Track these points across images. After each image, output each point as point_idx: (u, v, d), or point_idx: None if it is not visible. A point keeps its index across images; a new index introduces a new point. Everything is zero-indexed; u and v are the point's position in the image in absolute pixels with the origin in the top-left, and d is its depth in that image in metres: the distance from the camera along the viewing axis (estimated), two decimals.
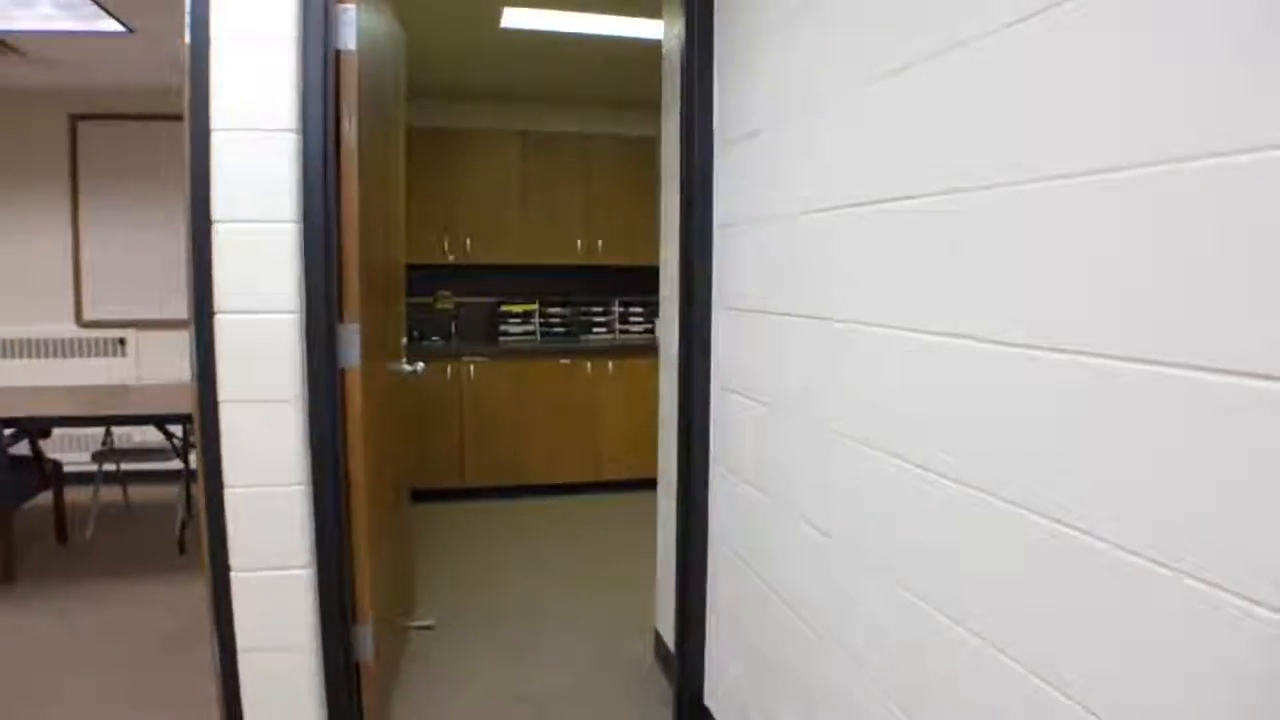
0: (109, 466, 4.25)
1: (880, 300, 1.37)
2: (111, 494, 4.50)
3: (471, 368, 4.65)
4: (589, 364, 4.82)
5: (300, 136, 1.90)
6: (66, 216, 4.89)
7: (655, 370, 5.45)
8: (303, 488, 1.96)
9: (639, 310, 5.38)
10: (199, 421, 1.94)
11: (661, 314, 2.47)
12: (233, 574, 1.98)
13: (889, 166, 1.33)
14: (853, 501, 1.47)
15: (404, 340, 2.78)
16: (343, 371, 2.01)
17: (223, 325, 1.89)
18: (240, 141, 1.86)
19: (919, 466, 1.26)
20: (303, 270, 1.91)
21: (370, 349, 2.12)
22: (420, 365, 2.71)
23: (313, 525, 2.00)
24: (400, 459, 2.74)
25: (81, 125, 4.86)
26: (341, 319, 2.00)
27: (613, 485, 4.90)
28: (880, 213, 1.36)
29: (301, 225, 1.90)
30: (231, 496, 1.95)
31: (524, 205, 4.99)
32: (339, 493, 2.04)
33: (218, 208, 1.86)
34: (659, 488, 2.75)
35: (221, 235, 1.87)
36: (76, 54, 4.05)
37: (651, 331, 5.36)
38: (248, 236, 1.87)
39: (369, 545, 2.16)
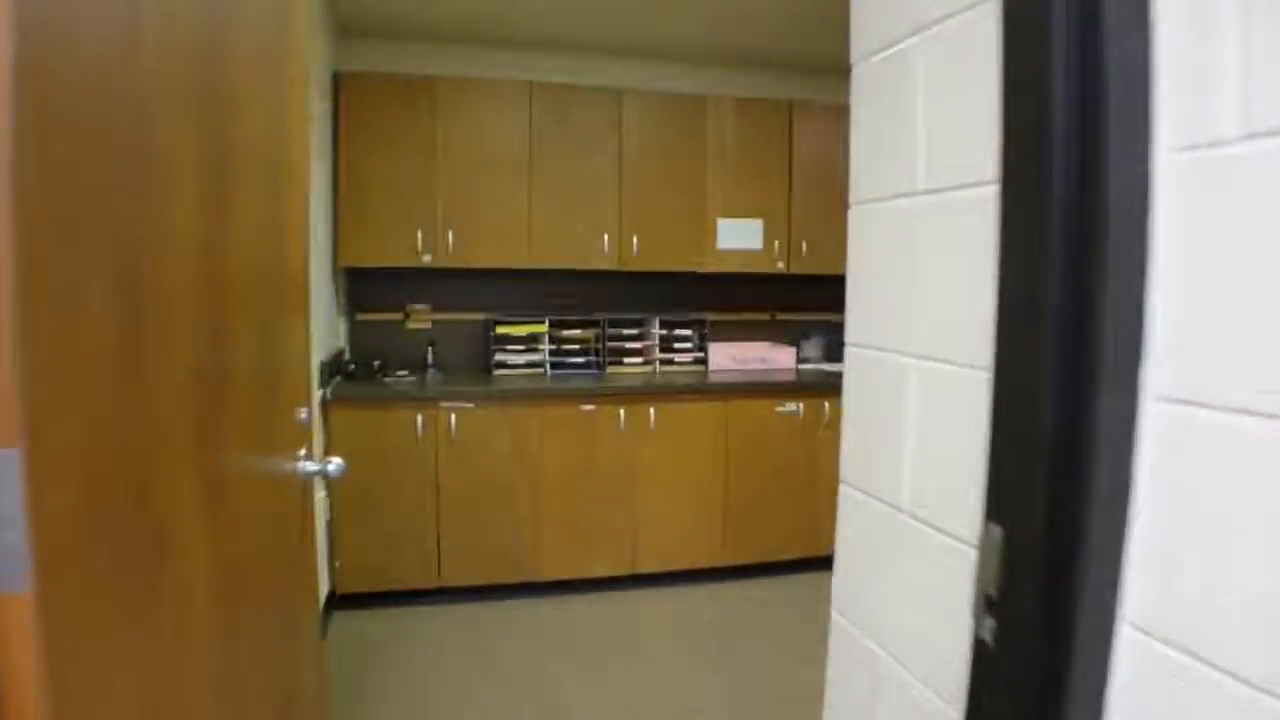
0: None
1: None
2: None
3: (452, 417, 3.25)
4: (621, 411, 3.43)
5: None
6: None
7: (709, 419, 3.66)
8: None
9: (687, 333, 3.99)
10: None
11: (848, 375, 1.05)
12: None
13: None
14: None
15: (304, 413, 1.38)
16: None
17: None
18: None
19: None
20: None
21: (155, 486, 0.74)
22: (335, 463, 1.33)
23: None
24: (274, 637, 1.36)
25: None
26: None
27: (653, 579, 3.52)
28: None
29: None
30: None
31: (530, 187, 3.61)
32: None
33: None
34: None
35: None
36: None
37: (704, 363, 3.97)
38: None
39: None
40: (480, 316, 3.89)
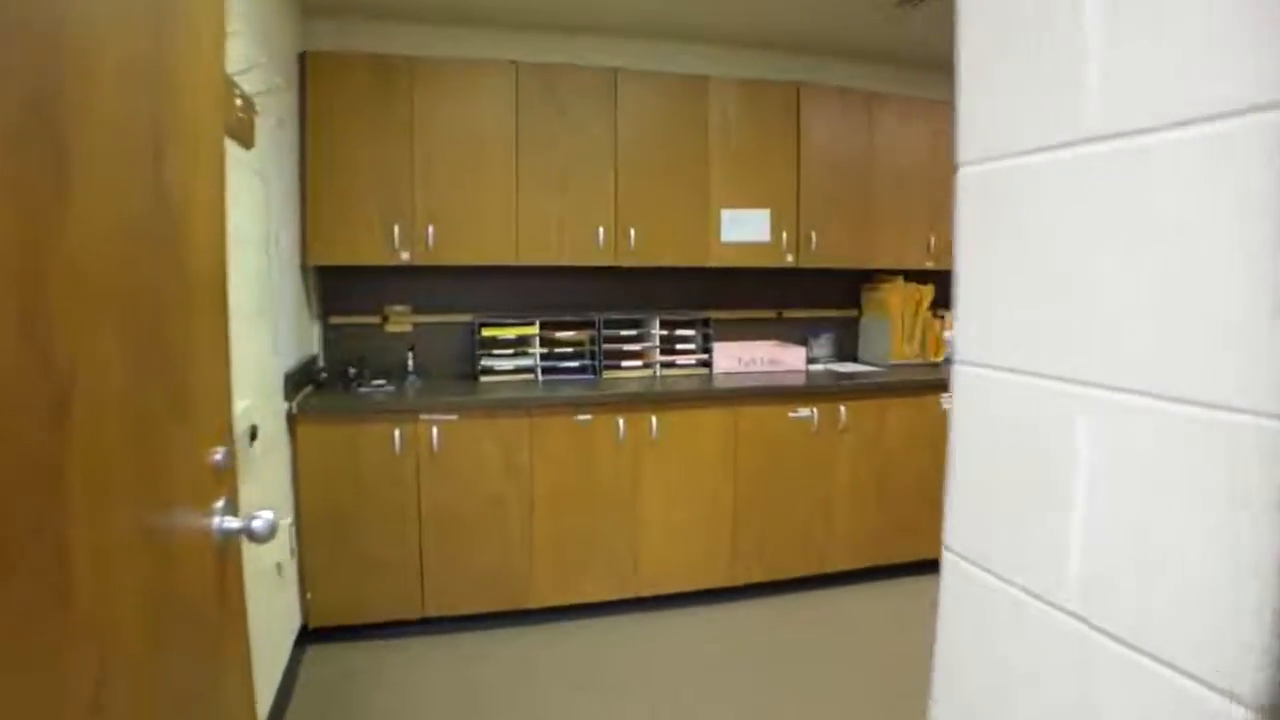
0: None
1: None
2: None
3: (434, 430, 2.95)
4: (620, 420, 3.13)
5: None
6: None
7: (716, 427, 3.27)
8: None
9: (689, 333, 3.69)
10: None
11: (957, 405, 0.76)
12: None
13: None
14: None
15: (219, 454, 1.08)
16: None
17: None
18: None
19: None
20: None
21: None
22: (263, 519, 1.03)
23: None
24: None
25: None
26: None
27: (656, 602, 3.24)
28: None
29: None
30: None
31: (517, 177, 3.31)
32: None
33: None
34: None
35: None
36: None
37: (708, 364, 3.68)
38: None
39: None
40: (465, 318, 3.59)
